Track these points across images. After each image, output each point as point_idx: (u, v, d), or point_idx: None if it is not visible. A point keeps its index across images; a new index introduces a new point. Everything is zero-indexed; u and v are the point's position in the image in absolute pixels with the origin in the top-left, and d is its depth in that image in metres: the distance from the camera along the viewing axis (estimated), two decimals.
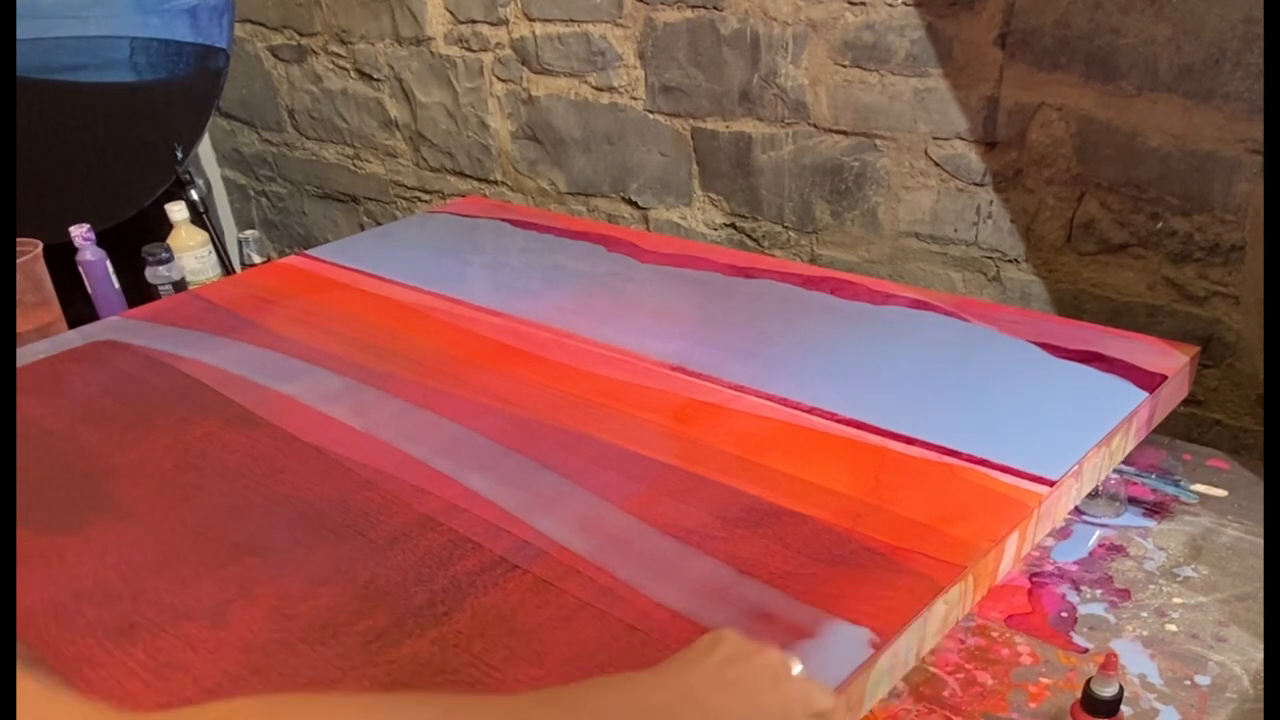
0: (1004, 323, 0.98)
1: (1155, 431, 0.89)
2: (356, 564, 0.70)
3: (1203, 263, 1.03)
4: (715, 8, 1.31)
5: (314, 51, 1.95)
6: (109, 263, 1.41)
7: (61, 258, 1.36)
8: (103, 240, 1.42)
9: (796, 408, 0.85)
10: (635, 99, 1.46)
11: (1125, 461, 0.87)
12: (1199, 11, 0.96)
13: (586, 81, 1.51)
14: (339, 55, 1.90)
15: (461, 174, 1.79)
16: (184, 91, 1.76)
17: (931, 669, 0.70)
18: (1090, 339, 0.93)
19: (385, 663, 0.61)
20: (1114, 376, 0.87)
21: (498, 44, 1.61)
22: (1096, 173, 1.07)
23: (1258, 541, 0.81)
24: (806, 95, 1.27)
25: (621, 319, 1.04)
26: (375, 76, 1.85)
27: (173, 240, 1.51)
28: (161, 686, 0.60)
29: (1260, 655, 0.69)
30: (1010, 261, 1.17)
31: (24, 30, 1.61)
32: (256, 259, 1.55)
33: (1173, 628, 0.73)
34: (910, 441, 0.79)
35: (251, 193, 2.30)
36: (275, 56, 2.04)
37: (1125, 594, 0.76)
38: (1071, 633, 0.73)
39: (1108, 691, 0.61)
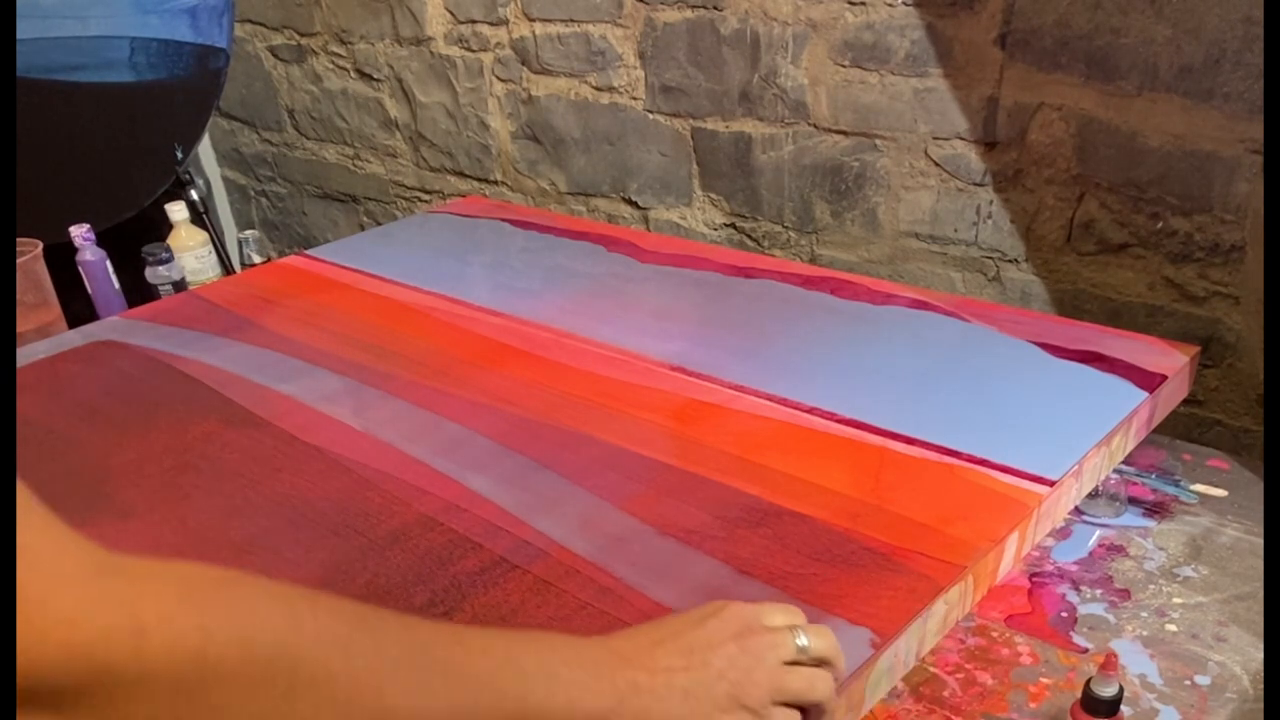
0: (1004, 323, 0.98)
1: (1155, 431, 0.89)
2: (356, 564, 0.70)
3: (1203, 263, 1.03)
4: (715, 8, 1.31)
5: (314, 51, 1.95)
6: (109, 263, 1.41)
7: (61, 258, 1.36)
8: (103, 240, 1.42)
9: (796, 408, 0.85)
10: (635, 99, 1.46)
11: (1125, 461, 0.87)
12: (1199, 11, 0.96)
13: (586, 81, 1.51)
14: (339, 55, 1.90)
15: (461, 174, 1.79)
16: (184, 91, 1.76)
17: (931, 669, 0.70)
18: (1090, 339, 0.93)
19: None
20: (1114, 376, 0.87)
21: (498, 44, 1.61)
22: (1096, 173, 1.07)
23: (1258, 541, 0.81)
24: (806, 95, 1.27)
25: (621, 319, 1.04)
26: (375, 76, 1.85)
27: (173, 240, 1.51)
28: None
29: (1260, 655, 0.69)
30: (1010, 261, 1.17)
31: (24, 30, 1.61)
32: (256, 259, 1.55)
33: (1173, 628, 0.73)
34: (910, 441, 0.79)
35: (251, 193, 2.30)
36: (275, 56, 2.04)
37: (1125, 594, 0.76)
38: (1071, 633, 0.73)
39: (1108, 691, 0.61)
